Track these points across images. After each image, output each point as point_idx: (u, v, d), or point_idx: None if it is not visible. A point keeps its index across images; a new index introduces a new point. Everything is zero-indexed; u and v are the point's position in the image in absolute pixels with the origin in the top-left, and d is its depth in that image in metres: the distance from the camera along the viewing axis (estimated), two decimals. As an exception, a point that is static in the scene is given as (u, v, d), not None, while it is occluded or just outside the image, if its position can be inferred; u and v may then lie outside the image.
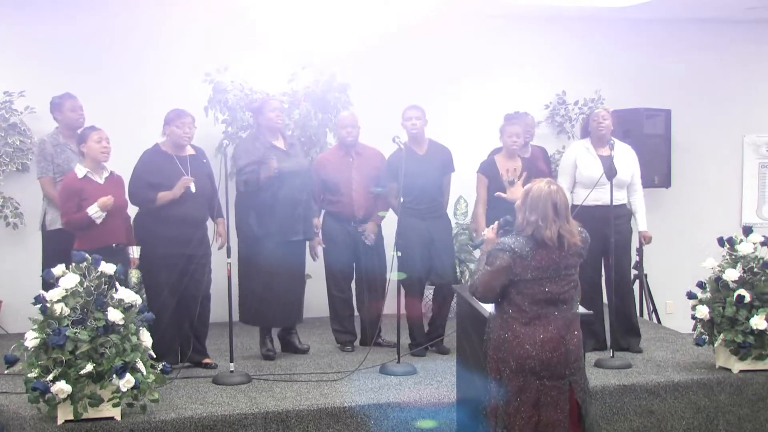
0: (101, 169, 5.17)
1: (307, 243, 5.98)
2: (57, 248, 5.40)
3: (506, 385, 3.77)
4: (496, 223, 4.05)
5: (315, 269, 6.33)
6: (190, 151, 5.50)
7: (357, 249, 6.03)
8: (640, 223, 6.02)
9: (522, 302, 3.74)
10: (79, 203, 5.03)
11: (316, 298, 6.40)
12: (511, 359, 3.75)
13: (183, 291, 5.39)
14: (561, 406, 3.77)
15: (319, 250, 6.12)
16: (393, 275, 5.53)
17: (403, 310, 5.71)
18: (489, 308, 3.98)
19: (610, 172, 5.63)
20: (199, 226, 5.42)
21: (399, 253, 5.61)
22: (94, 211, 4.99)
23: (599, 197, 5.68)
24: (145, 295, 6.05)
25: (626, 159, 5.91)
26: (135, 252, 5.30)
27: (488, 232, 4.04)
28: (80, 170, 5.12)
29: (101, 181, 5.15)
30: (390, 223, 5.97)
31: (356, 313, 6.23)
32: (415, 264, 5.85)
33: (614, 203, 5.72)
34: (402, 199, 5.72)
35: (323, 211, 6.09)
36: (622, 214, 5.88)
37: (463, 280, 7.20)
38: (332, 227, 6.03)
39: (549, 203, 3.70)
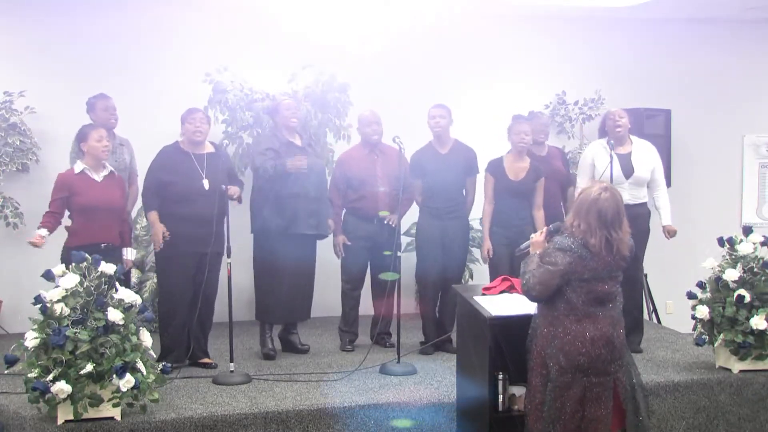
0: (101, 167, 5.19)
1: (332, 239, 6.04)
2: None
3: (553, 381, 3.83)
4: (545, 228, 4.11)
5: (317, 269, 6.32)
6: (209, 149, 5.55)
7: (376, 248, 6.02)
8: (664, 218, 5.98)
9: (576, 301, 3.79)
10: (69, 198, 5.06)
11: (316, 298, 6.38)
12: (561, 355, 3.80)
13: (198, 289, 5.40)
14: (605, 403, 3.83)
15: (342, 247, 6.11)
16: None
17: (416, 309, 5.72)
18: (532, 307, 4.00)
19: (628, 170, 5.67)
20: (214, 223, 5.42)
21: (399, 254, 5.62)
22: (41, 233, 5.00)
23: None
24: (145, 295, 6.08)
25: (645, 155, 5.90)
26: (129, 254, 5.31)
27: (537, 236, 4.10)
28: (78, 166, 5.16)
29: (98, 179, 5.16)
30: (404, 224, 5.99)
31: (364, 312, 6.23)
32: (431, 263, 5.90)
33: (634, 202, 5.74)
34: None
35: (344, 209, 6.13)
36: (641, 213, 5.85)
37: (462, 280, 7.21)
38: (354, 225, 6.05)
39: (593, 211, 3.77)
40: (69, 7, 6.78)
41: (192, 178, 5.36)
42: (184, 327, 5.44)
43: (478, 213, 6.16)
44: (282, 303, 5.76)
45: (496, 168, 5.87)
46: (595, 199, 3.78)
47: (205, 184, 5.36)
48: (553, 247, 3.84)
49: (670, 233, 6.01)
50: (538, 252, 3.98)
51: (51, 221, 5.06)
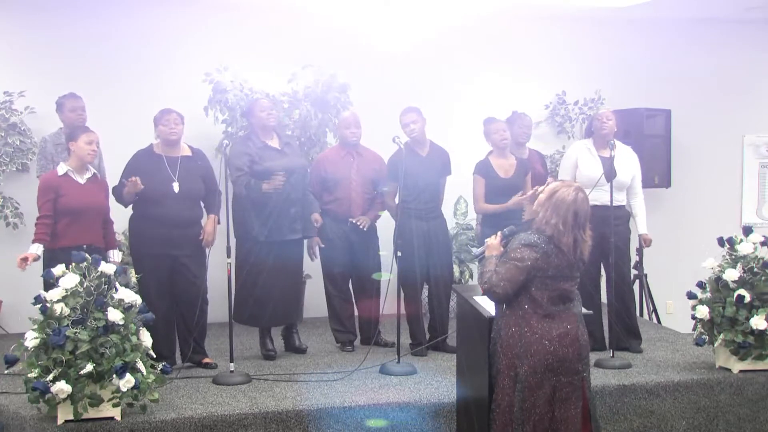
0: (85, 169, 5.18)
1: (306, 242, 5.99)
2: None
3: (522, 382, 3.81)
4: (500, 232, 4.09)
5: (315, 269, 6.34)
6: (185, 151, 5.49)
7: (353, 248, 6.03)
8: (640, 226, 6.03)
9: (541, 298, 3.80)
10: (56, 199, 5.04)
11: (316, 298, 6.40)
12: (529, 356, 3.79)
13: (174, 292, 5.39)
14: (574, 402, 3.83)
15: (317, 250, 6.11)
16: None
17: (403, 310, 5.71)
18: (492, 308, 4.00)
19: (610, 173, 5.63)
20: (185, 226, 5.38)
21: (399, 254, 5.62)
22: (36, 252, 5.03)
23: (599, 197, 5.66)
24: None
25: (627, 161, 5.92)
26: (115, 256, 5.29)
27: (492, 240, 4.08)
28: (62, 168, 5.14)
29: (82, 181, 5.15)
30: (386, 224, 5.98)
31: (356, 312, 6.23)
32: (414, 264, 5.86)
33: (616, 204, 5.74)
34: (398, 200, 5.78)
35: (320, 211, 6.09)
36: (621, 215, 5.89)
37: (462, 281, 7.21)
38: (329, 227, 6.02)
39: (571, 211, 3.81)
40: (69, 8, 6.78)
41: (160, 180, 5.30)
42: (164, 331, 5.33)
43: (471, 215, 6.15)
44: (266, 307, 5.68)
45: (485, 168, 5.89)
46: (574, 199, 3.82)
47: (175, 187, 5.32)
48: (519, 243, 3.83)
49: (646, 242, 6.10)
50: (494, 254, 3.97)
51: (45, 231, 5.02)
